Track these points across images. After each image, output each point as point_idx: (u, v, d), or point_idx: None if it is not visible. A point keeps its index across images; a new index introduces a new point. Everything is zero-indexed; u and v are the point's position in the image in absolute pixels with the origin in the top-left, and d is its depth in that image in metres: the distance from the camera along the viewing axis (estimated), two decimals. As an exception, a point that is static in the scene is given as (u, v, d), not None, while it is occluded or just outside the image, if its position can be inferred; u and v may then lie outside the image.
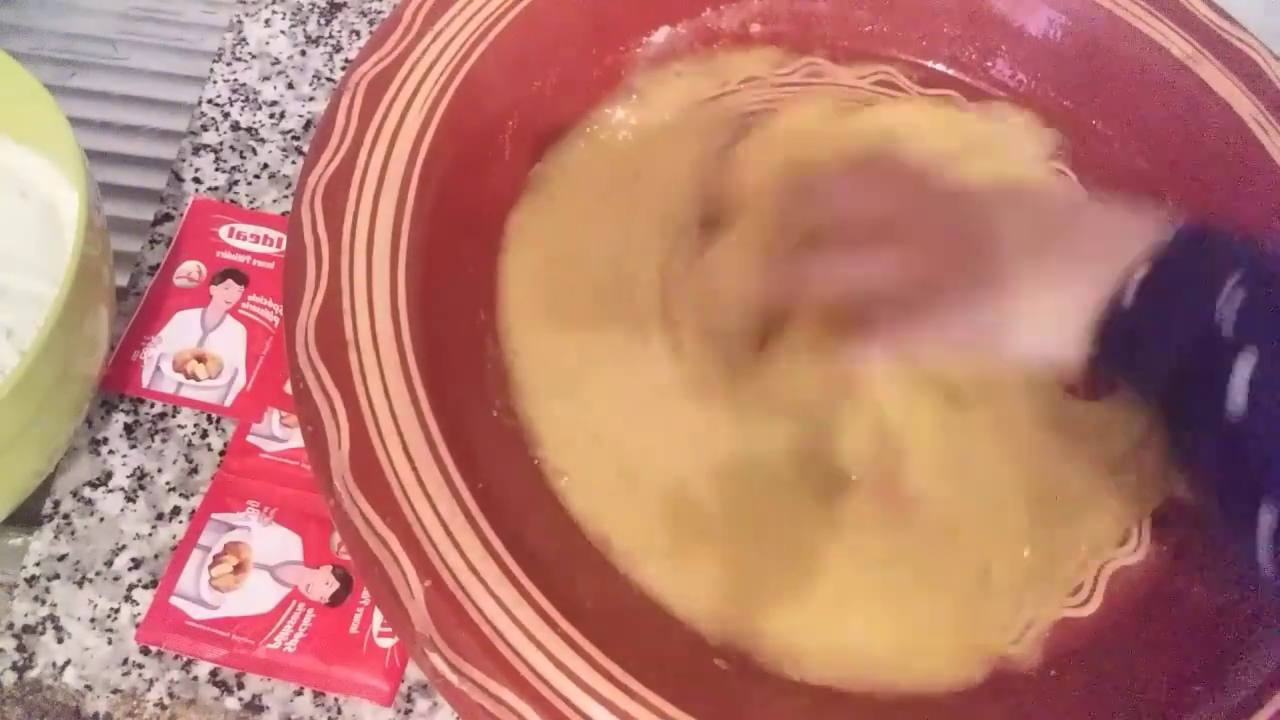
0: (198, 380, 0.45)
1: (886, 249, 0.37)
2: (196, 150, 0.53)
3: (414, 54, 0.44)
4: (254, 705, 0.39)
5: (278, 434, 0.44)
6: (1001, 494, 0.43)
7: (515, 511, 0.37)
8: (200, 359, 0.46)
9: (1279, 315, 0.31)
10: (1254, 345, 0.30)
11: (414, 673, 0.40)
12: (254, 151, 0.53)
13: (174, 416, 0.45)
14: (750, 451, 0.42)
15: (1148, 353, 0.33)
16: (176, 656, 0.40)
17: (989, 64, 0.55)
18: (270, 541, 0.42)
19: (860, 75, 0.55)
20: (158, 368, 0.46)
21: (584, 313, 0.45)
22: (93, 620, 0.40)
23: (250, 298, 0.48)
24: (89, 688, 0.39)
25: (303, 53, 0.57)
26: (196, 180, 0.52)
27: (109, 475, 0.43)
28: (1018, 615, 0.41)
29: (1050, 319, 0.35)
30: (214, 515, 0.42)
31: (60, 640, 0.40)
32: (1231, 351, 0.30)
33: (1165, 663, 0.40)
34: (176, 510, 0.43)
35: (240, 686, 0.40)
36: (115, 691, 0.39)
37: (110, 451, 0.44)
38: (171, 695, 0.39)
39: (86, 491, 0.43)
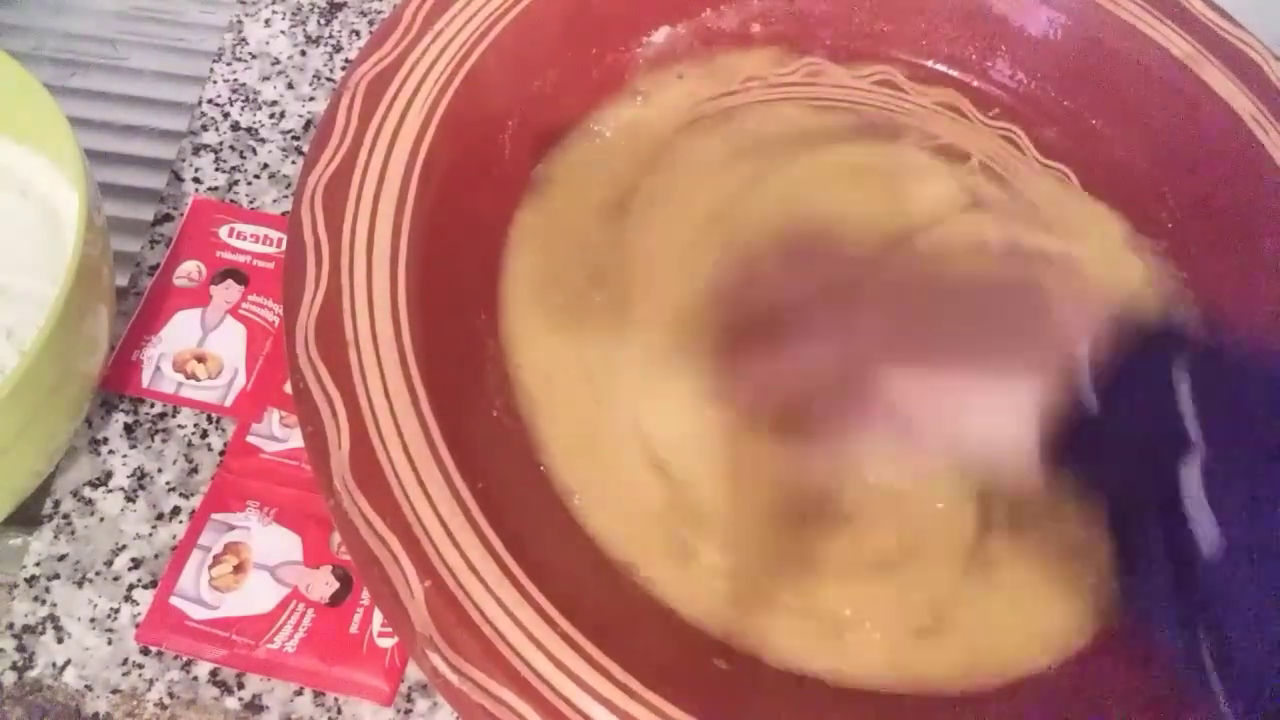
0: (198, 380, 0.45)
1: (827, 339, 0.36)
2: (196, 150, 0.53)
3: (414, 54, 0.44)
4: (254, 705, 0.39)
5: (278, 434, 0.44)
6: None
7: (515, 511, 0.36)
8: (200, 359, 0.46)
9: (1227, 411, 0.29)
10: (1202, 444, 0.29)
11: (414, 673, 0.40)
12: (254, 151, 0.53)
13: (174, 416, 0.45)
14: (757, 454, 0.42)
15: (1103, 453, 0.32)
16: (176, 656, 0.40)
17: (989, 64, 0.55)
18: (270, 541, 0.42)
19: (860, 75, 0.55)
20: (158, 368, 0.46)
21: (584, 314, 0.45)
22: (93, 620, 0.40)
23: (250, 298, 0.48)
24: (89, 688, 0.39)
25: (303, 53, 0.57)
26: (196, 180, 0.52)
27: (109, 475, 0.43)
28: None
29: (998, 411, 0.33)
30: (214, 515, 0.42)
31: (60, 640, 0.40)
32: (1183, 450, 0.29)
33: (1165, 662, 0.39)
34: (176, 510, 0.43)
35: (240, 686, 0.40)
36: (115, 691, 0.39)
37: (110, 451, 0.44)
38: (171, 695, 0.39)
39: (86, 491, 0.43)
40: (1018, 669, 0.40)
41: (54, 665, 0.39)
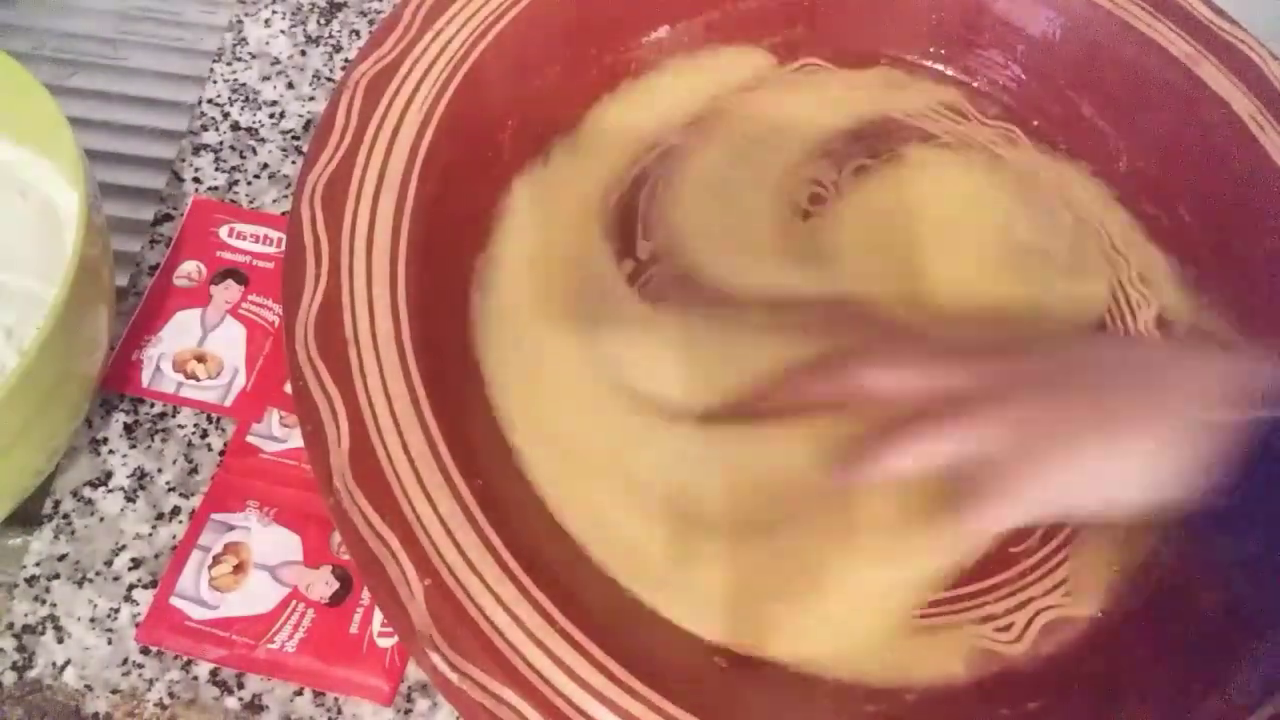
0: (198, 380, 0.45)
1: (973, 418, 0.36)
2: (196, 150, 0.53)
3: (414, 53, 0.44)
4: (254, 705, 0.39)
5: (277, 434, 0.44)
6: None
7: (514, 510, 0.37)
8: (200, 359, 0.46)
9: None
10: None
11: (414, 673, 0.40)
12: (254, 151, 0.53)
13: (174, 416, 0.45)
14: (756, 454, 0.42)
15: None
16: (176, 656, 0.40)
17: (988, 64, 0.55)
18: (270, 541, 0.42)
19: (860, 75, 0.55)
20: (158, 368, 0.45)
21: (582, 317, 0.45)
22: (93, 620, 0.40)
23: (250, 298, 0.48)
24: (89, 688, 0.39)
25: (303, 53, 0.57)
26: (196, 180, 0.52)
27: (109, 475, 0.43)
28: (1021, 612, 0.41)
29: (1152, 459, 0.34)
30: (214, 515, 0.42)
31: (60, 640, 0.40)
32: None
33: (1165, 660, 0.40)
34: (176, 510, 0.43)
35: (240, 686, 0.40)
36: (115, 691, 0.39)
37: (110, 451, 0.44)
38: (171, 695, 0.39)
39: (86, 491, 0.43)
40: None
41: (54, 665, 0.39)
